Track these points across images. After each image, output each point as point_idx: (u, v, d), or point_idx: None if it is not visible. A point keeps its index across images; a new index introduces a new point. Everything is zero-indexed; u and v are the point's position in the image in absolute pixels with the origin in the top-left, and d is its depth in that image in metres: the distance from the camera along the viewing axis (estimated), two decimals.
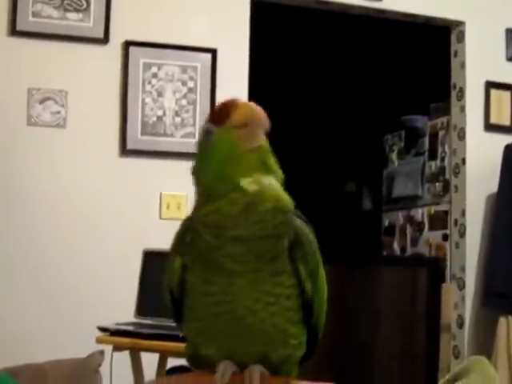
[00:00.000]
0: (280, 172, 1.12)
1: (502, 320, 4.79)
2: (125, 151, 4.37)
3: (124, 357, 3.34)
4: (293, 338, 1.13)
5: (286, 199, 1.08)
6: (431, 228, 6.02)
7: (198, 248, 1.11)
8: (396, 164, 6.75)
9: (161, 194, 4.36)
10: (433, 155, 6.09)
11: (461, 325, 5.12)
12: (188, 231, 1.13)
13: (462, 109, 5.22)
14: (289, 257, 1.11)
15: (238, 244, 1.05)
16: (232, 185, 1.06)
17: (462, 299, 5.14)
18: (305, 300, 1.15)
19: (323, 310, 1.22)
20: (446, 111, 5.69)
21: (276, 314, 1.09)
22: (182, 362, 1.20)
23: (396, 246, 6.61)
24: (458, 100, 5.28)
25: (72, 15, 4.34)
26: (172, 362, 3.55)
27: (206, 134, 1.09)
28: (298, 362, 1.22)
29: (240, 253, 1.06)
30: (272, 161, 1.10)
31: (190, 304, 1.14)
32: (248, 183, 1.05)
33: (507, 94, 5.23)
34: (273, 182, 1.08)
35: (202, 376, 1.15)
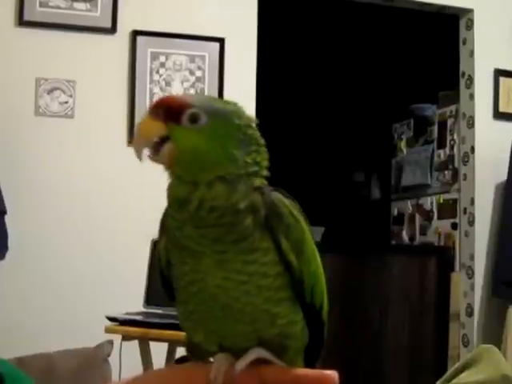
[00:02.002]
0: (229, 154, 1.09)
1: None
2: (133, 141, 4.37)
3: (133, 346, 3.35)
4: (279, 318, 1.09)
5: (225, 194, 1.06)
6: (440, 217, 6.02)
7: (169, 229, 1.10)
8: (405, 153, 6.74)
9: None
10: (441, 144, 6.07)
11: (470, 313, 5.12)
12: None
13: (471, 97, 5.20)
14: (268, 231, 1.09)
15: (192, 228, 1.05)
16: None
17: (471, 288, 5.13)
18: (293, 276, 1.12)
19: (318, 286, 1.18)
20: (455, 99, 5.67)
21: (250, 293, 1.05)
22: None
23: (405, 235, 6.60)
24: (467, 88, 5.26)
25: (79, 5, 4.34)
26: (181, 352, 3.56)
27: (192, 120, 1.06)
28: (303, 345, 1.19)
29: (197, 236, 1.05)
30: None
31: (175, 287, 1.13)
32: (177, 186, 1.06)
33: None
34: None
35: (199, 368, 1.13)
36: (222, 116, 1.05)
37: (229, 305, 1.05)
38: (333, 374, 1.03)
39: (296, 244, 1.10)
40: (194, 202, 1.02)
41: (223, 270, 1.04)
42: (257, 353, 1.07)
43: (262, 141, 1.09)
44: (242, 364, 1.06)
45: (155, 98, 4.45)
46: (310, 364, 1.19)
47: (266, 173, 1.09)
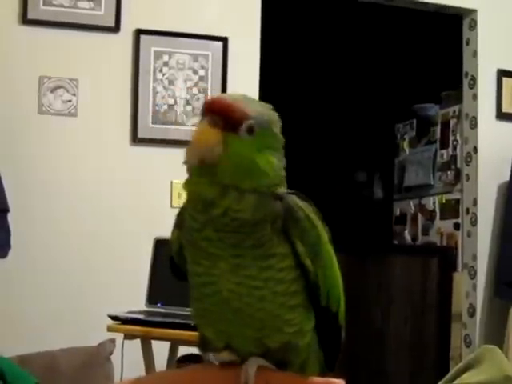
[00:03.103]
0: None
1: None
2: (136, 139, 4.38)
3: (135, 345, 3.35)
4: (289, 325, 1.08)
5: (248, 207, 1.05)
6: (443, 217, 6.01)
7: (186, 227, 1.10)
8: (407, 153, 6.74)
9: (172, 182, 4.36)
10: (444, 144, 6.07)
11: (472, 314, 5.11)
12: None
13: (474, 97, 5.20)
14: (285, 236, 1.09)
15: (212, 230, 1.04)
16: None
17: (473, 288, 5.13)
18: (309, 280, 1.11)
19: (334, 289, 1.17)
20: (458, 100, 5.67)
21: (265, 298, 1.05)
22: (193, 350, 1.18)
23: (407, 235, 6.60)
24: (470, 88, 5.26)
25: (83, 3, 4.34)
26: (183, 351, 3.56)
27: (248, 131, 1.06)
28: (319, 357, 1.18)
29: (215, 239, 1.04)
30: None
31: (190, 283, 1.12)
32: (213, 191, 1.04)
33: None
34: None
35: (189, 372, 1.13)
36: (268, 126, 1.06)
37: (240, 309, 1.04)
38: (340, 382, 1.03)
39: (312, 248, 1.09)
40: (220, 208, 1.02)
41: (238, 276, 1.03)
42: (257, 361, 1.07)
43: (283, 140, 1.11)
44: (251, 375, 1.06)
45: (158, 97, 4.45)
46: (329, 367, 1.19)
47: (284, 173, 1.10)
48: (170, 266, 1.19)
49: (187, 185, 1.06)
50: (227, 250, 1.03)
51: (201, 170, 1.03)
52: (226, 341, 1.09)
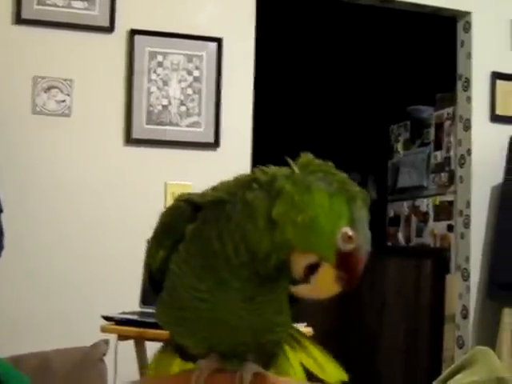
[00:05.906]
0: None
1: (507, 311, 4.78)
2: (130, 140, 4.37)
3: (129, 346, 3.34)
4: (279, 326, 1.11)
5: None
6: (436, 219, 6.02)
7: (202, 240, 1.06)
8: (401, 154, 6.75)
9: (166, 183, 4.35)
10: (438, 146, 6.08)
11: (465, 315, 5.12)
12: (184, 215, 1.10)
13: (468, 99, 5.21)
14: None
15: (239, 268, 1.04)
16: None
17: (466, 290, 5.13)
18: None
19: None
20: (452, 102, 5.68)
21: (263, 313, 1.07)
22: None
23: (401, 237, 6.61)
24: (464, 90, 5.26)
25: (77, 3, 4.33)
26: None
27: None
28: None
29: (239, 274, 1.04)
30: None
31: (170, 291, 1.10)
32: None
33: None
34: None
35: (183, 376, 1.13)
36: None
37: (237, 326, 1.05)
38: None
39: None
40: None
41: (244, 303, 1.03)
42: (251, 369, 1.07)
43: None
44: (246, 380, 1.06)
45: (152, 97, 4.45)
46: None
47: None
48: (150, 284, 1.18)
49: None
50: (245, 290, 1.03)
51: None
52: (208, 346, 1.09)
